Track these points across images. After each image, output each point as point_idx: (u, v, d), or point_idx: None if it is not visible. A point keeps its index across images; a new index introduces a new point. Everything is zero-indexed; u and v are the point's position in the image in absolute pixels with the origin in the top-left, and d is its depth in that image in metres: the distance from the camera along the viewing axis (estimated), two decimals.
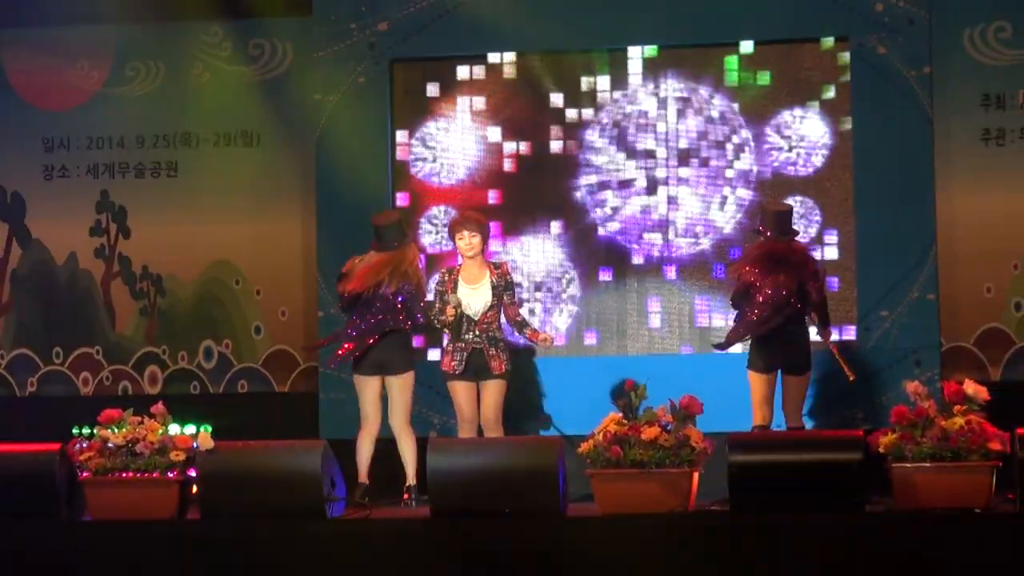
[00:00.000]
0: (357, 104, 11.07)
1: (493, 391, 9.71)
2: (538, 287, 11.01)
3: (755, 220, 10.13)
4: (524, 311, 10.76)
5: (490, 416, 9.68)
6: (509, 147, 11.07)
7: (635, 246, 10.91)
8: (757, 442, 8.31)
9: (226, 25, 11.55)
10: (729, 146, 10.86)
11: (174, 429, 8.72)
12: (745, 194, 10.83)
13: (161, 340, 11.66)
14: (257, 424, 10.88)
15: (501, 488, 8.06)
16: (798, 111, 10.82)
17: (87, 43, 11.68)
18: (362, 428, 9.78)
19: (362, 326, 9.66)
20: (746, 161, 10.83)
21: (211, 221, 11.58)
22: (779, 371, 9.58)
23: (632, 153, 10.93)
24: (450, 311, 9.63)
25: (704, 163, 10.86)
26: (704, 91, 10.89)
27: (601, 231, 10.96)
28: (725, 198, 10.84)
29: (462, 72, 11.13)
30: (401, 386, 9.75)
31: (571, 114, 11.02)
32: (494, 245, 10.74)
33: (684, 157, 10.88)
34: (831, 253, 10.69)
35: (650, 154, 10.92)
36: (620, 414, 8.34)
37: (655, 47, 10.96)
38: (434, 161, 11.14)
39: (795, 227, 9.87)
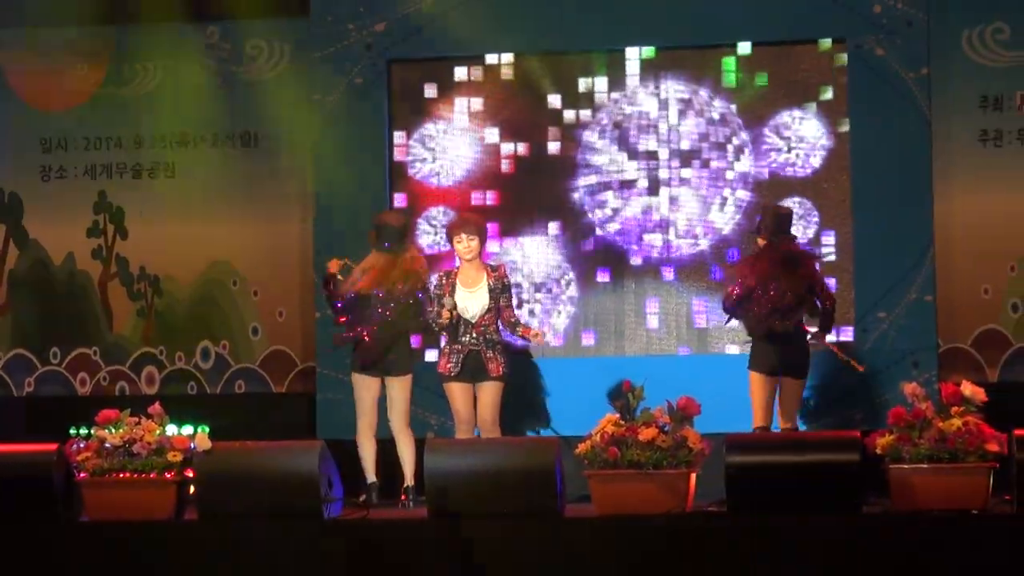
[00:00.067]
0: (354, 105, 11.06)
1: (490, 393, 9.70)
2: (536, 288, 11.00)
3: (755, 220, 10.13)
4: (524, 312, 10.78)
5: (487, 418, 9.69)
6: (507, 148, 11.06)
7: (634, 247, 10.91)
8: (754, 443, 8.31)
9: (223, 25, 11.55)
10: (729, 147, 10.86)
11: (171, 430, 8.71)
12: (743, 195, 10.83)
13: (158, 341, 11.66)
14: (254, 425, 10.92)
15: (498, 489, 8.05)
16: (796, 112, 10.82)
17: (85, 44, 11.67)
18: (361, 427, 9.77)
19: (372, 325, 9.67)
20: (744, 162, 10.83)
21: (208, 222, 11.58)
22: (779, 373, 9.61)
23: (633, 154, 10.92)
24: (445, 314, 9.63)
25: (705, 164, 10.85)
26: (703, 92, 10.89)
27: (599, 232, 10.95)
28: (725, 199, 10.84)
29: (460, 73, 11.12)
30: (401, 387, 9.76)
31: (569, 115, 11.01)
32: (492, 246, 10.75)
33: (685, 158, 10.87)
34: (829, 254, 10.69)
35: (650, 155, 10.91)
36: (618, 415, 8.34)
37: (653, 48, 10.96)
38: (432, 162, 11.14)
39: (793, 231, 9.89)
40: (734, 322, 10.00)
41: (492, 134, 11.08)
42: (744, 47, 10.85)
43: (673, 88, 10.91)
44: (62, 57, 11.67)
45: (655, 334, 10.89)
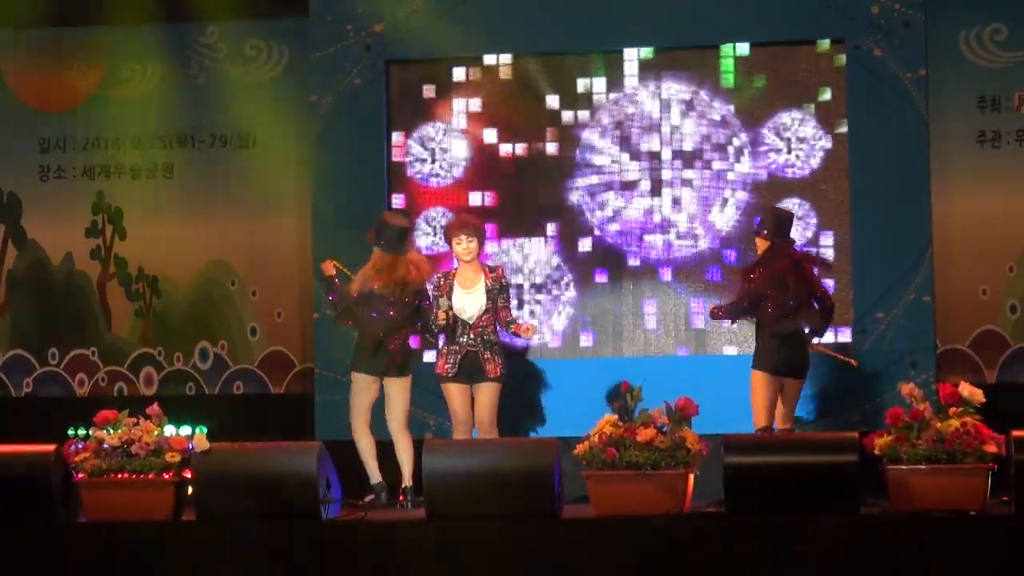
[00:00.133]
0: (353, 105, 11.06)
1: (487, 394, 9.70)
2: (535, 288, 11.00)
3: (754, 221, 10.13)
4: (525, 312, 10.77)
5: (485, 419, 9.68)
6: (505, 149, 11.06)
7: (634, 248, 10.91)
8: (752, 444, 8.31)
9: (222, 26, 11.55)
10: (730, 148, 10.85)
11: (170, 430, 8.72)
12: (742, 196, 10.83)
13: (157, 341, 11.66)
14: (253, 425, 10.93)
15: (497, 490, 8.05)
16: (794, 113, 10.82)
17: (83, 44, 11.67)
18: (357, 425, 9.75)
19: (384, 323, 9.68)
20: (744, 163, 10.83)
21: (207, 222, 11.58)
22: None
23: (635, 155, 10.91)
24: (441, 315, 9.63)
25: (707, 165, 10.85)
26: (703, 94, 10.89)
27: (597, 232, 10.95)
28: (726, 200, 10.84)
29: (458, 74, 11.12)
30: (401, 388, 9.76)
31: (567, 116, 11.02)
32: (490, 247, 10.75)
33: (687, 159, 10.86)
34: (827, 255, 10.69)
35: (652, 156, 10.90)
36: (616, 416, 8.34)
37: (651, 49, 10.96)
38: (430, 163, 11.14)
39: (793, 233, 9.89)
40: (730, 322, 10.01)
41: (490, 135, 11.08)
42: (743, 48, 10.85)
43: (673, 89, 10.91)
44: (61, 58, 11.67)
45: (653, 335, 10.89)
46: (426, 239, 11.06)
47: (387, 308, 9.71)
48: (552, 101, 11.03)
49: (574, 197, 10.98)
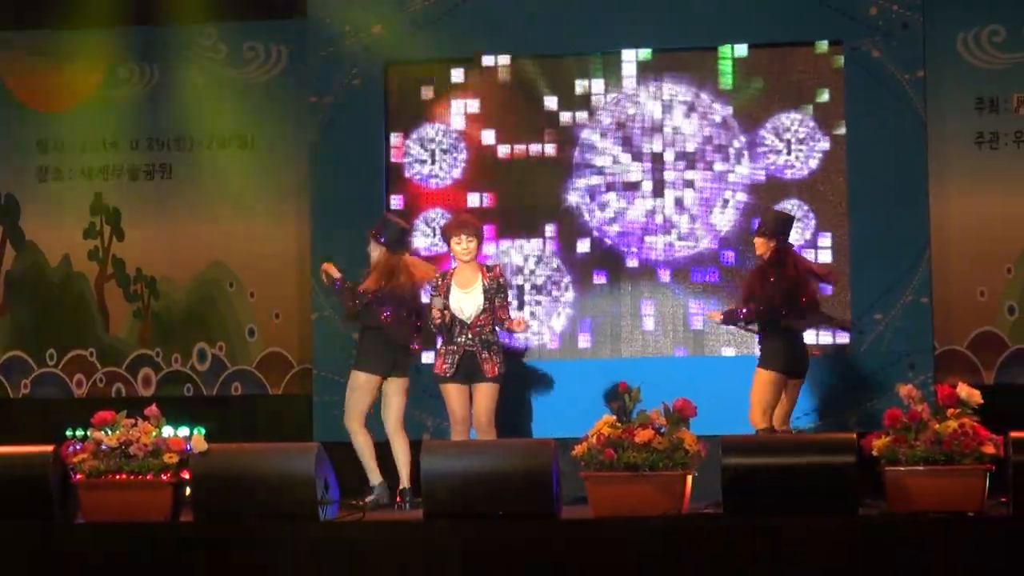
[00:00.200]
0: (351, 106, 11.06)
1: (485, 394, 9.70)
2: (535, 289, 11.00)
3: (753, 223, 10.13)
4: (525, 313, 10.77)
5: (482, 419, 9.68)
6: (503, 150, 11.07)
7: (633, 249, 10.91)
8: (751, 445, 8.30)
9: (220, 27, 11.55)
10: (731, 150, 10.86)
11: (168, 431, 8.72)
12: (741, 197, 10.83)
13: (155, 342, 11.66)
14: (251, 426, 10.94)
15: (495, 491, 8.05)
16: (792, 114, 10.82)
17: (82, 45, 11.67)
18: (354, 423, 9.73)
19: (399, 321, 9.69)
20: (743, 164, 10.83)
21: (205, 223, 11.58)
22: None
23: (637, 156, 10.92)
24: (436, 314, 9.63)
25: (709, 166, 10.85)
26: (700, 94, 10.89)
27: (595, 233, 10.96)
28: (727, 201, 10.84)
29: (456, 75, 11.13)
30: (400, 388, 9.77)
31: (565, 117, 11.02)
32: (488, 248, 10.75)
33: (689, 160, 10.87)
34: (825, 256, 10.69)
35: (655, 157, 10.91)
36: (614, 417, 8.34)
37: (649, 50, 10.97)
38: (429, 163, 11.14)
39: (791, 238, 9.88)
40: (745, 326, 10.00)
41: (488, 136, 11.09)
42: (741, 49, 10.86)
43: (672, 90, 10.91)
44: (60, 58, 11.67)
45: (651, 336, 10.90)
46: (425, 240, 11.06)
47: (400, 307, 9.72)
48: (550, 102, 11.03)
49: (573, 198, 10.99)
